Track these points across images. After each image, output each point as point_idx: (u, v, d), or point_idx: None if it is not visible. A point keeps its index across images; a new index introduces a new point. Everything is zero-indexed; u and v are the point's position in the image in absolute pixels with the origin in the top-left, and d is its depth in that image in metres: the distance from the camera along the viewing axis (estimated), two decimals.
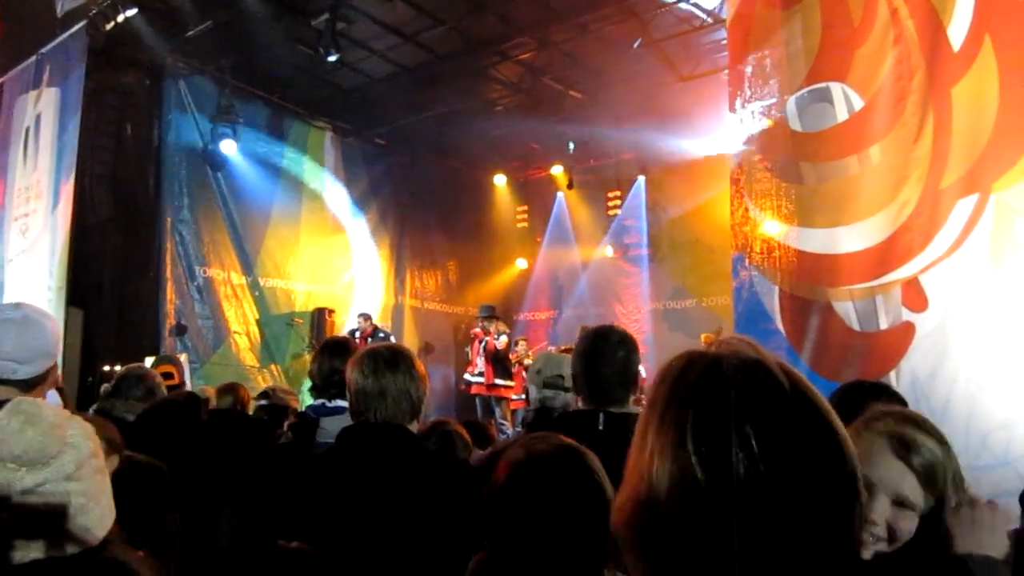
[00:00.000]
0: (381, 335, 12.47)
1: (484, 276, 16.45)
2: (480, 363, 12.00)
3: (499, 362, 11.79)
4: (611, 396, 2.63)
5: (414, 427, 2.49)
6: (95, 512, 1.32)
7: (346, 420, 2.76)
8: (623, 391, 2.65)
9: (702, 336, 12.56)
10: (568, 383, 3.12)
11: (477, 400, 11.98)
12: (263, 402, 5.04)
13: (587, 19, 10.81)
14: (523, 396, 11.38)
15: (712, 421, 0.88)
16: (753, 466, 0.86)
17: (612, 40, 11.41)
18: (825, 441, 0.91)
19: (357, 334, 12.16)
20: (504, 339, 11.94)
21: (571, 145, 14.14)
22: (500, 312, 13.02)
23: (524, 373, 11.44)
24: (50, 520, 1.26)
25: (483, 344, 12.09)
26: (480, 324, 12.44)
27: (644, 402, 1.05)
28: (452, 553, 1.83)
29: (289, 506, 2.27)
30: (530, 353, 12.06)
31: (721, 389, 0.90)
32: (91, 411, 4.20)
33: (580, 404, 2.74)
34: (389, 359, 2.47)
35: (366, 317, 12.77)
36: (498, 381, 11.71)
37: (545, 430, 2.52)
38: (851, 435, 1.40)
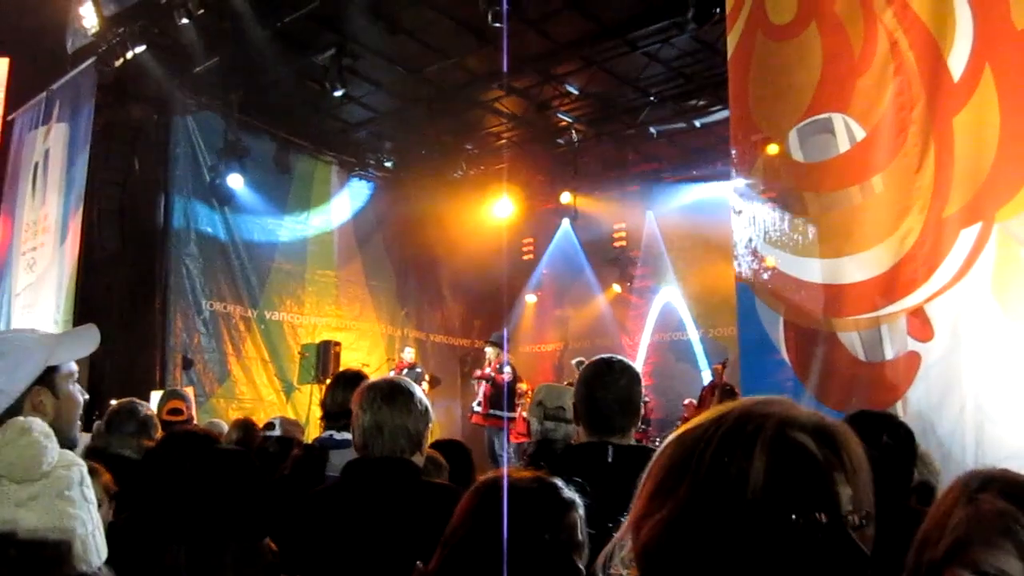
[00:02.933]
0: (418, 370, 12.67)
1: (489, 308, 16.43)
2: (480, 393, 12.03)
3: (499, 393, 11.76)
4: (613, 425, 2.59)
5: (418, 460, 2.48)
6: (87, 540, 1.31)
7: (352, 453, 2.75)
8: (625, 420, 2.61)
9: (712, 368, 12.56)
10: (570, 415, 3.10)
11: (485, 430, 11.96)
12: (272, 433, 4.99)
13: (589, 52, 10.90)
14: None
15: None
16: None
17: (615, 73, 11.51)
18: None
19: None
20: (508, 370, 11.91)
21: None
22: (501, 342, 12.99)
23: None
24: (41, 538, 1.25)
25: (487, 376, 12.10)
26: (486, 355, 12.46)
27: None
28: None
29: (293, 539, 2.27)
30: (526, 388, 12.07)
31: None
32: (84, 448, 4.17)
33: (582, 435, 2.70)
34: (387, 394, 2.47)
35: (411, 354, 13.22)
36: (492, 411, 11.69)
37: (548, 462, 2.50)
38: (952, 512, 1.35)
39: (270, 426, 5.14)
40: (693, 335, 14.41)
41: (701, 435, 0.98)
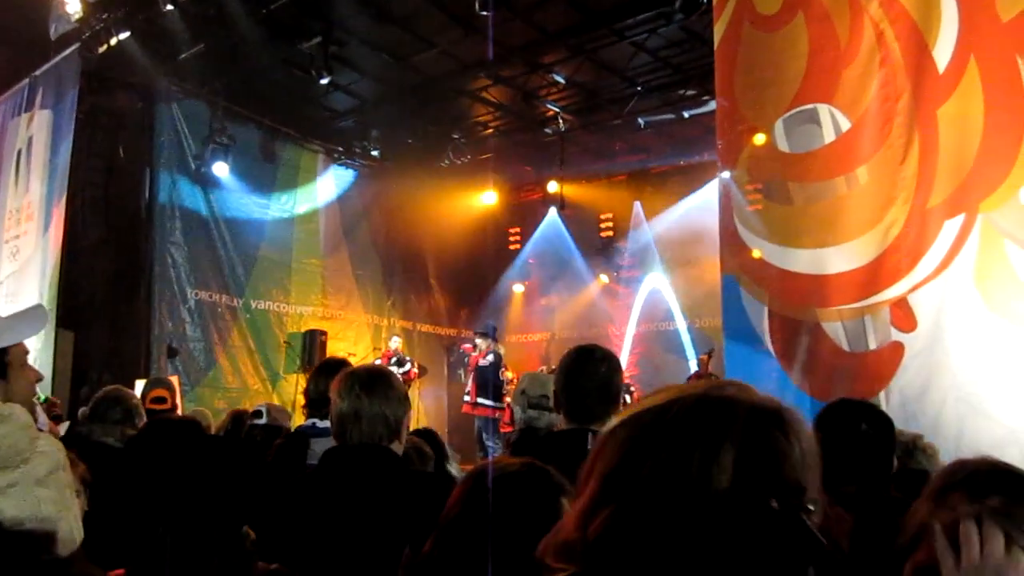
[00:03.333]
0: (406, 358, 12.76)
1: (476, 298, 16.43)
2: (469, 382, 12.08)
3: (485, 382, 11.80)
4: (593, 412, 2.60)
5: (397, 448, 2.48)
6: (63, 525, 1.31)
7: (332, 441, 2.74)
8: (604, 407, 2.62)
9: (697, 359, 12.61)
10: (553, 403, 3.11)
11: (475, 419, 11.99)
12: (259, 421, 4.93)
13: (577, 41, 10.88)
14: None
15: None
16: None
17: (602, 63, 11.49)
18: None
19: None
20: (491, 358, 11.93)
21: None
22: (489, 332, 12.97)
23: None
24: (20, 525, 1.25)
25: (466, 361, 12.23)
26: (477, 346, 12.51)
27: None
28: None
29: (271, 527, 2.26)
30: (512, 377, 12.13)
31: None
32: (62, 433, 4.14)
33: (563, 423, 2.71)
34: (365, 381, 2.46)
35: (398, 343, 13.20)
36: (480, 400, 11.71)
37: (530, 450, 2.51)
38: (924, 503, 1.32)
39: (257, 414, 5.08)
40: (680, 325, 14.44)
41: (657, 422, 0.94)
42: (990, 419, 4.65)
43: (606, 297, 15.56)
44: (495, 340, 12.49)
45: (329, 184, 14.41)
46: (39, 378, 2.21)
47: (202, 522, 2.02)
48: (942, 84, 4.97)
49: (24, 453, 1.30)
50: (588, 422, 2.60)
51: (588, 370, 2.63)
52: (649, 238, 14.93)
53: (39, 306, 2.26)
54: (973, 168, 4.83)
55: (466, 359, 12.34)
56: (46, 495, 1.30)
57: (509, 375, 12.41)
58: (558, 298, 16.17)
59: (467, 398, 12.02)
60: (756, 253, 5.77)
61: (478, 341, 12.42)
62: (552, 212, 15.18)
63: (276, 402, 11.63)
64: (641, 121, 12.85)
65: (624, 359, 14.50)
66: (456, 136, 14.08)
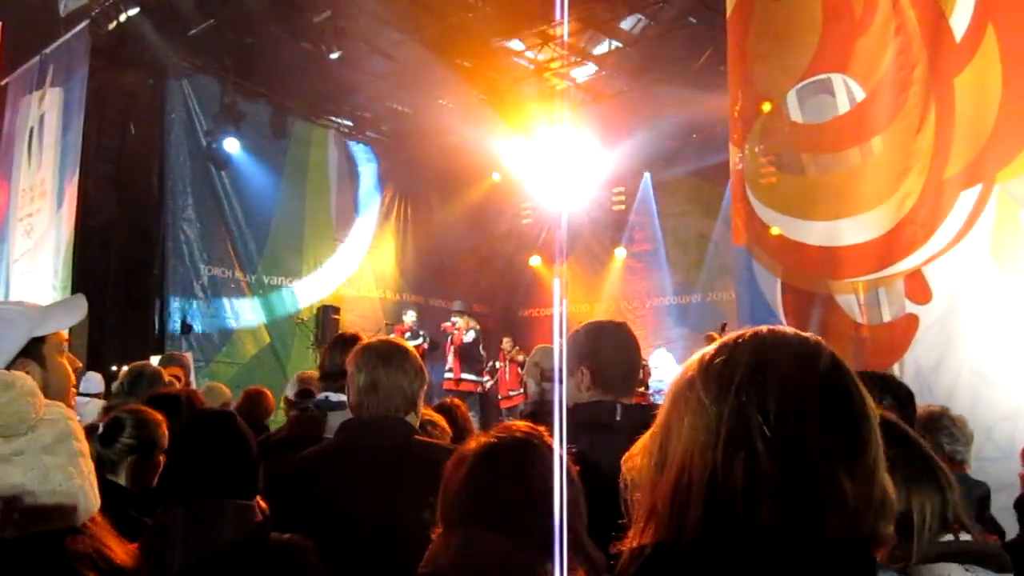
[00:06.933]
0: (420, 332, 12.77)
1: (488, 272, 16.41)
2: (451, 359, 12.20)
3: (467, 358, 11.93)
4: (622, 386, 2.60)
5: (413, 420, 2.49)
6: (76, 494, 1.31)
7: (348, 414, 2.75)
8: (630, 382, 2.62)
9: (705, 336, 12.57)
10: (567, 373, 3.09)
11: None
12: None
13: (587, 12, 10.78)
14: (519, 391, 11.58)
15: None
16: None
17: (613, 34, 11.40)
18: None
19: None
20: (472, 335, 12.00)
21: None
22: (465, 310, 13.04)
23: (519, 369, 11.61)
24: (28, 494, 1.25)
25: (449, 339, 12.33)
26: (451, 319, 12.62)
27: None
28: None
29: (287, 500, 2.28)
30: (517, 348, 12.21)
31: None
32: (102, 409, 4.20)
33: (589, 395, 2.69)
34: (383, 354, 2.47)
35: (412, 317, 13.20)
36: (464, 376, 11.85)
37: (547, 421, 2.50)
38: None
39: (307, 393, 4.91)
40: (693, 298, 14.41)
41: None
42: (1004, 390, 4.63)
43: (618, 271, 15.54)
44: (470, 316, 12.61)
45: (340, 160, 14.39)
46: (77, 367, 2.20)
47: (213, 495, 2.03)
48: (959, 52, 4.90)
49: (30, 421, 1.30)
50: (617, 395, 2.58)
51: (618, 344, 2.62)
52: (657, 211, 14.88)
53: (80, 296, 2.25)
54: (990, 138, 4.77)
55: (449, 337, 12.42)
56: (54, 463, 1.30)
57: (506, 345, 12.55)
58: (571, 272, 16.14)
59: (450, 375, 12.18)
60: (769, 225, 5.73)
61: (456, 319, 12.48)
62: (564, 186, 15.10)
63: (288, 377, 11.68)
64: (653, 92, 12.75)
65: (637, 333, 14.50)
66: (466, 109, 13.99)
